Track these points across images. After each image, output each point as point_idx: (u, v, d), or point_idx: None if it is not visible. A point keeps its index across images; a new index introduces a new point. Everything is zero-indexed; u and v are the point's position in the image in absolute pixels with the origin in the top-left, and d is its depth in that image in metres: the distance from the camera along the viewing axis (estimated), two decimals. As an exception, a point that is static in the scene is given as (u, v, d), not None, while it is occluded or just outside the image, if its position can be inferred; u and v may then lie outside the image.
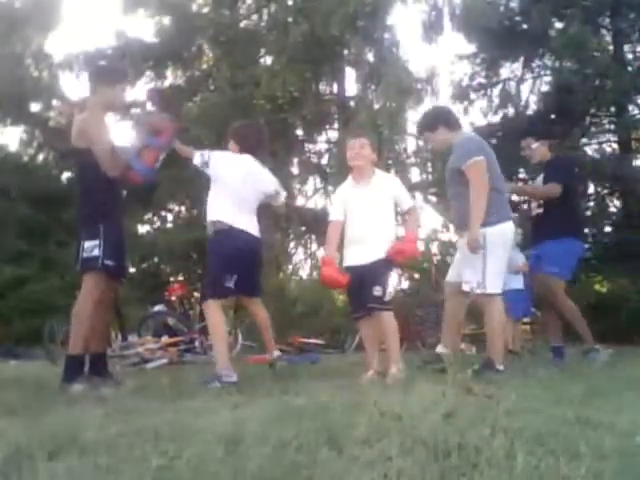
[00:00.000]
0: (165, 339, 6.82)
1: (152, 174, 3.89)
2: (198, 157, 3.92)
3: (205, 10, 14.54)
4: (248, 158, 4.08)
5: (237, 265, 3.88)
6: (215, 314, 3.84)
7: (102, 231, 3.60)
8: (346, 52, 13.42)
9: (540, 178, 5.06)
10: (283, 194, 4.31)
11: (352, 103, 13.81)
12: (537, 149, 5.02)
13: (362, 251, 3.88)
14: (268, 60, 13.80)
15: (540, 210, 4.95)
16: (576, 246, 4.96)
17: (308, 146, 15.28)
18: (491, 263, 3.81)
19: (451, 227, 11.12)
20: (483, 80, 14.25)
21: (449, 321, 4.20)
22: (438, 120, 4.22)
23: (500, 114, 14.05)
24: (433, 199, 13.27)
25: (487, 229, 3.81)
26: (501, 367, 3.77)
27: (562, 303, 4.76)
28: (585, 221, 5.66)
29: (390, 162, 13.46)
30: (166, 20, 14.09)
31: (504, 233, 3.94)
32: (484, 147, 4.05)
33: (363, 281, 3.80)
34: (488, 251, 3.80)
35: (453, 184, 4.09)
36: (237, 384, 3.55)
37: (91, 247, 3.55)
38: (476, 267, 3.82)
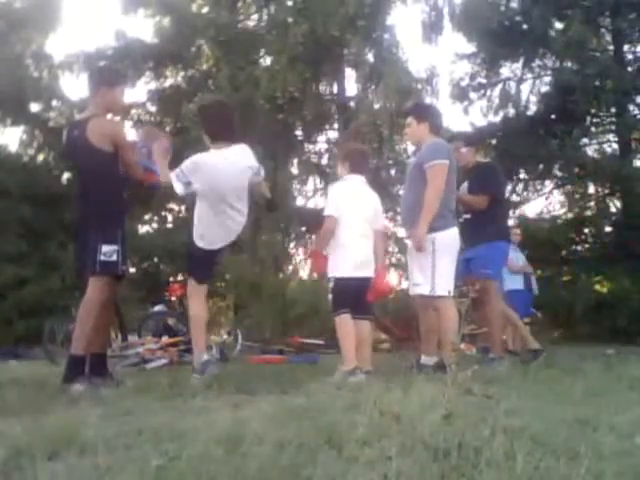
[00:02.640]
0: (165, 339, 6.79)
1: None
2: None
3: (205, 10, 14.53)
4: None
5: None
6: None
7: (120, 236, 3.63)
8: (346, 52, 13.42)
9: (465, 184, 4.91)
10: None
11: (352, 103, 13.81)
12: (467, 153, 4.93)
13: None
14: (268, 60, 13.79)
15: (468, 215, 4.89)
16: (505, 248, 4.99)
17: (308, 146, 15.29)
18: (441, 266, 3.88)
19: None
20: (483, 80, 14.23)
21: (426, 330, 4.22)
22: (430, 116, 4.27)
23: (500, 114, 14.04)
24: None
25: (437, 234, 3.90)
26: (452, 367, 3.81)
27: (494, 304, 4.71)
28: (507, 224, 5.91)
29: (390, 162, 13.48)
30: (166, 20, 14.07)
31: (453, 237, 4.02)
32: (450, 154, 4.12)
33: None
34: (438, 254, 3.88)
35: (410, 179, 4.16)
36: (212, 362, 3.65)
37: (110, 252, 3.55)
38: (426, 270, 3.90)
